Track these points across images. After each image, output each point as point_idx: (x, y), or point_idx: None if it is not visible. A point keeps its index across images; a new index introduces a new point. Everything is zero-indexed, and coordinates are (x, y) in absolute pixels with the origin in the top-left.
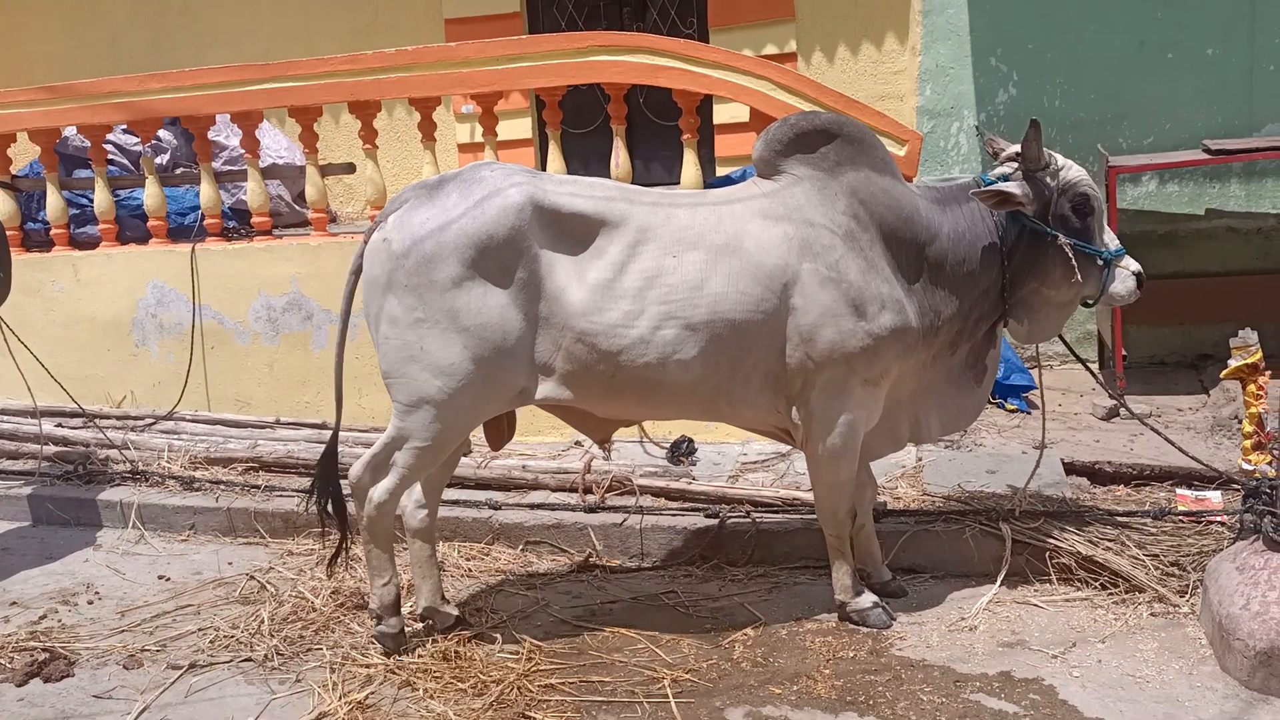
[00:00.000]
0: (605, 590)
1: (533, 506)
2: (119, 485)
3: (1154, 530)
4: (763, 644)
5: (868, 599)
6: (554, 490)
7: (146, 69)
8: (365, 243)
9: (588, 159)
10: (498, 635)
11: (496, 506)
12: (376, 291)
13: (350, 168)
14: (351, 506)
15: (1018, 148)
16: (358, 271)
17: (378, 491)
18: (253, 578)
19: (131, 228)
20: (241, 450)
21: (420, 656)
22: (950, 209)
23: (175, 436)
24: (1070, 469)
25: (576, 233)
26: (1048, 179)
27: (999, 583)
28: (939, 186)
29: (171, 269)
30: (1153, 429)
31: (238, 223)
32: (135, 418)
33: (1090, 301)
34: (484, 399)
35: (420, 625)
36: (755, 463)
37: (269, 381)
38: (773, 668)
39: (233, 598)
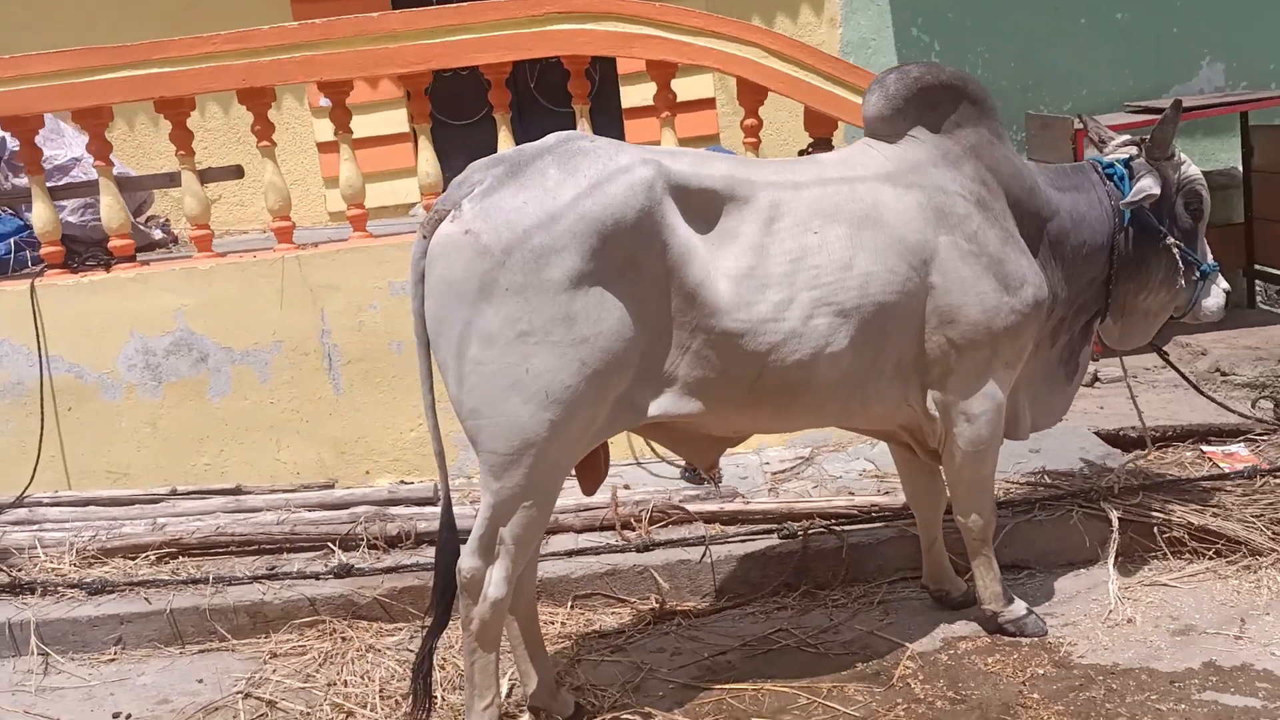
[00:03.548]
0: (701, 640)
1: (571, 554)
2: None
3: (1242, 492)
4: (935, 675)
5: (1020, 606)
6: (580, 532)
7: None
8: (426, 239)
9: (471, 155)
10: (638, 717)
11: None
12: (460, 302)
13: (238, 171)
14: None
15: (1127, 136)
16: (422, 280)
17: (493, 585)
18: (250, 695)
19: None
20: (145, 534)
21: None
22: (1067, 190)
23: (35, 528)
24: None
25: (704, 213)
26: (1170, 171)
27: (1112, 567)
28: (1051, 166)
29: None
30: (1203, 393)
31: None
32: None
33: (1178, 314)
34: (593, 429)
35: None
36: (782, 471)
37: (152, 444)
38: (972, 700)
39: None
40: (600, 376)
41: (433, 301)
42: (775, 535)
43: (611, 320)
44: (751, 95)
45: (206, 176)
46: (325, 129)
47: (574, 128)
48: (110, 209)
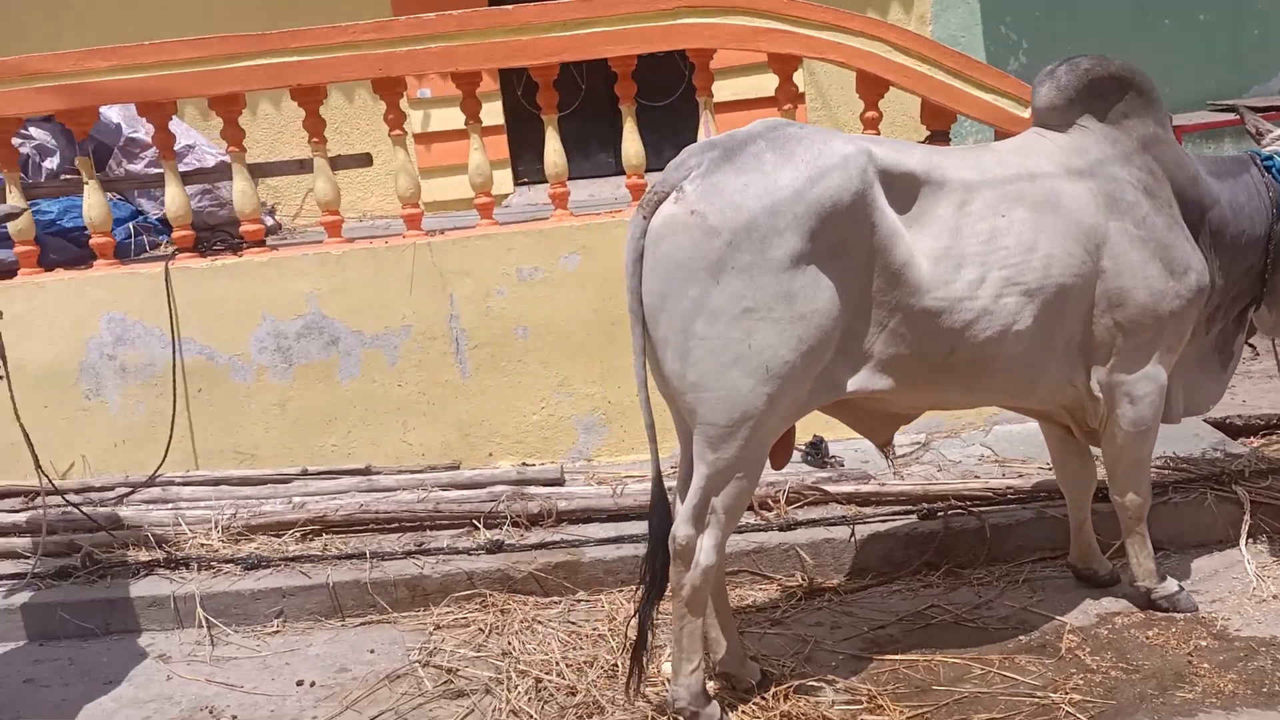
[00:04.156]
0: (856, 615)
1: None
2: (148, 576)
3: None
4: (1101, 648)
5: (1172, 583)
6: None
7: None
8: (645, 220)
9: (565, 144)
10: (819, 685)
11: None
12: (687, 280)
13: (367, 159)
14: None
15: None
16: (641, 259)
17: (704, 552)
18: (429, 664)
19: (55, 249)
20: (286, 511)
21: None
22: (1225, 179)
23: (170, 507)
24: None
25: (904, 196)
26: None
27: (1245, 547)
28: (1212, 156)
29: (133, 297)
30: None
31: (169, 236)
32: (99, 489)
33: None
34: (799, 402)
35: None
36: (902, 456)
37: (281, 425)
38: (1145, 670)
39: (428, 694)
40: (813, 352)
41: (655, 279)
42: (915, 516)
43: (824, 298)
44: (873, 88)
45: (337, 164)
46: (420, 120)
47: (662, 123)
48: (243, 194)
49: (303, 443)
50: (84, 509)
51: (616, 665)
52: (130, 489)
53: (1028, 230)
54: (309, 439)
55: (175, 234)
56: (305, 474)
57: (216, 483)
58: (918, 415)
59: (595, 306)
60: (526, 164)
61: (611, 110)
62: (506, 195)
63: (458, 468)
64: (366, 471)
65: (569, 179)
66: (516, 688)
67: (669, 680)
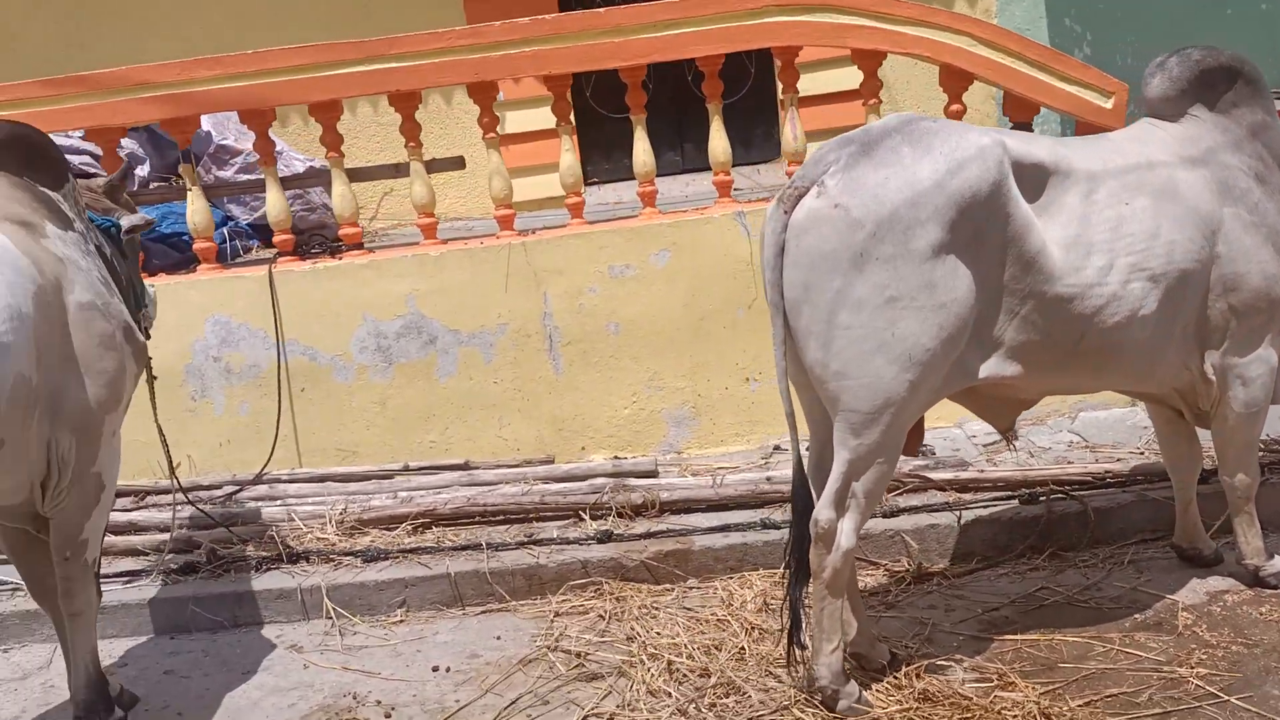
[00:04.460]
0: (967, 598)
1: None
2: (269, 570)
3: None
4: (1216, 624)
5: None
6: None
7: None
8: (786, 214)
9: (630, 146)
10: (948, 664)
11: (776, 525)
12: (831, 271)
13: (460, 162)
14: None
15: None
16: (781, 252)
17: (844, 535)
18: (557, 649)
19: (157, 254)
20: (394, 506)
21: (900, 705)
22: None
23: (278, 504)
24: None
25: (1034, 186)
26: None
27: None
28: None
29: (237, 300)
30: None
31: (259, 240)
32: (206, 487)
33: None
34: (935, 390)
35: None
36: (990, 444)
37: (381, 422)
38: (1265, 645)
39: (563, 676)
40: (952, 340)
41: (798, 271)
42: (1017, 501)
43: (963, 287)
44: (957, 81)
45: (432, 167)
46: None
47: (731, 119)
48: (343, 198)
49: (401, 439)
50: (203, 507)
51: (744, 649)
52: (238, 487)
53: (1150, 217)
54: (408, 436)
55: (276, 238)
56: (406, 469)
57: (321, 480)
58: (1039, 401)
59: (685, 302)
60: (595, 164)
61: (676, 110)
62: None
63: (552, 461)
64: (465, 466)
65: (620, 181)
66: (649, 670)
67: (807, 661)
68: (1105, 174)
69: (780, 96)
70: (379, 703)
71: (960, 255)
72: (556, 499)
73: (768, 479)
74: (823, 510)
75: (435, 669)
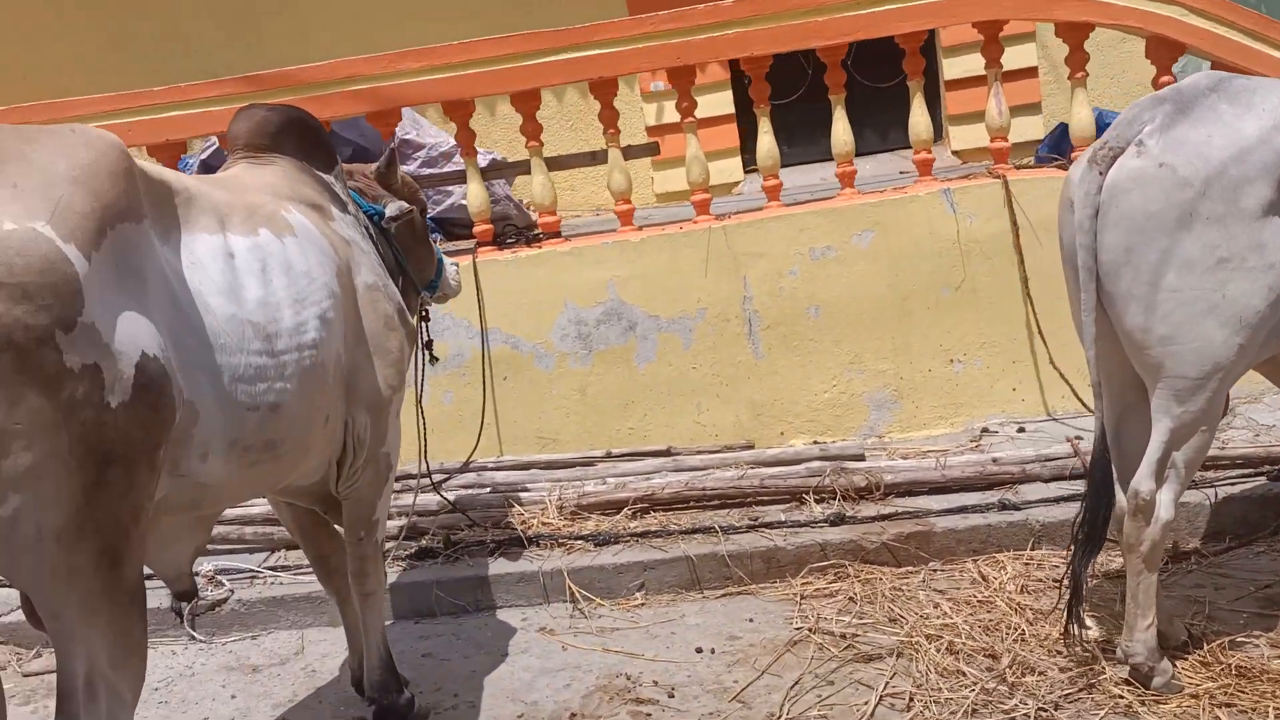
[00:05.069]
0: (1233, 576)
1: (1060, 500)
2: (501, 555)
3: None
4: None
5: None
6: (1047, 481)
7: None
8: (1101, 175)
9: (792, 131)
10: (1246, 641)
11: (1015, 506)
12: (1157, 231)
13: (655, 149)
14: None
15: None
16: (1096, 214)
17: (1164, 506)
18: (818, 630)
19: None
20: (610, 491)
21: (1215, 682)
22: None
23: (486, 490)
24: None
25: None
26: None
27: None
28: None
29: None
30: None
31: (442, 234)
32: (411, 476)
33: None
34: (1256, 357)
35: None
36: None
37: (581, 410)
38: None
39: (837, 657)
40: (1278, 304)
41: (1118, 233)
42: (1265, 478)
43: None
44: (1166, 52)
45: (628, 154)
46: (654, 113)
47: (886, 105)
48: (542, 187)
49: (601, 426)
50: (442, 493)
51: (1022, 629)
52: (447, 475)
53: None
54: (607, 423)
55: (476, 228)
56: (609, 456)
57: (526, 467)
58: None
59: (889, 282)
60: (754, 151)
61: (825, 98)
62: (738, 183)
63: (751, 447)
64: (668, 453)
65: (781, 167)
66: (928, 651)
67: (1093, 641)
68: None
69: (984, 71)
70: (656, 683)
71: None
72: (776, 482)
73: (994, 460)
74: (1142, 481)
75: (699, 650)
